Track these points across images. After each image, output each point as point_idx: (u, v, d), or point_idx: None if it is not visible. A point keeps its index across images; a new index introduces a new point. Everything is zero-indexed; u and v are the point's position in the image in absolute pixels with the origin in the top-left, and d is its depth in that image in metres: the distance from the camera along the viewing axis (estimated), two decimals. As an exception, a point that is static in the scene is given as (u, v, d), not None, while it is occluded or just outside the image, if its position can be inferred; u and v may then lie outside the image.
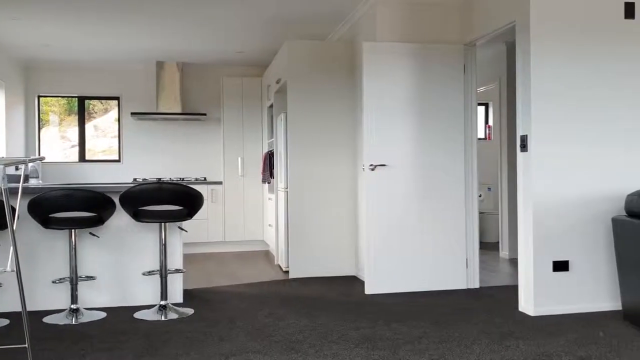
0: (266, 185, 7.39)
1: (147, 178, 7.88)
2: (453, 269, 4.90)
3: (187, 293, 4.84)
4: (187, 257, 7.13)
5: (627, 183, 4.08)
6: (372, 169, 4.76)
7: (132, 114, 7.53)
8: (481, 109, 8.88)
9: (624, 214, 3.74)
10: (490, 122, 8.91)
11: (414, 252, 4.83)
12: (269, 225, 7.05)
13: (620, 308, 3.98)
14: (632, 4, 4.07)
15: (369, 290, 4.76)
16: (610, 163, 4.06)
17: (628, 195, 3.61)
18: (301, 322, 3.86)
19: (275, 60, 6.56)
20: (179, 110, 7.69)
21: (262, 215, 7.71)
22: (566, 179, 4.02)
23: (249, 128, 7.74)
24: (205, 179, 8.00)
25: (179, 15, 5.57)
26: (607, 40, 4.06)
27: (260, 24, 5.94)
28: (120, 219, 4.44)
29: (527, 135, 4.04)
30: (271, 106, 7.03)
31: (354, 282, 5.31)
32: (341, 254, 5.68)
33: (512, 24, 4.27)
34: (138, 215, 4.14)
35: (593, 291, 4.06)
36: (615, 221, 3.68)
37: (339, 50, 5.71)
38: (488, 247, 7.37)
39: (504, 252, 6.69)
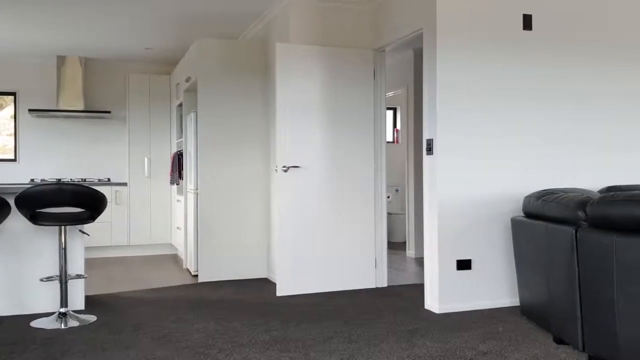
0: (174, 186, 7.18)
1: (45, 179, 7.43)
2: (363, 269, 4.99)
3: (89, 299, 4.60)
4: (89, 262, 6.79)
5: (525, 185, 4.32)
6: (285, 171, 4.75)
7: (30, 110, 7.08)
8: (390, 113, 9.13)
9: (522, 214, 3.96)
10: (398, 126, 9.18)
11: (326, 253, 4.87)
12: (178, 228, 6.86)
13: (518, 304, 4.21)
14: (530, 16, 4.33)
15: (280, 292, 4.74)
16: (510, 166, 4.29)
17: (525, 197, 3.83)
18: (210, 326, 3.78)
19: (185, 57, 6.40)
20: (81, 108, 7.31)
21: (170, 217, 7.48)
22: (469, 182, 4.20)
23: (157, 127, 7.49)
24: (109, 180, 7.66)
25: (82, 7, 5.29)
26: (507, 49, 4.29)
27: (170, 20, 5.77)
28: (15, 222, 4.15)
29: (432, 139, 4.18)
30: (180, 105, 6.84)
31: (265, 285, 5.27)
32: (253, 256, 5.63)
33: (419, 31, 4.41)
34: (35, 218, 3.88)
35: (494, 288, 4.27)
36: (514, 221, 3.88)
37: (252, 50, 5.66)
38: (395, 246, 7.58)
39: (410, 252, 6.91)
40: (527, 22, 4.32)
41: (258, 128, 5.65)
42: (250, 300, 4.61)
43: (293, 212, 4.77)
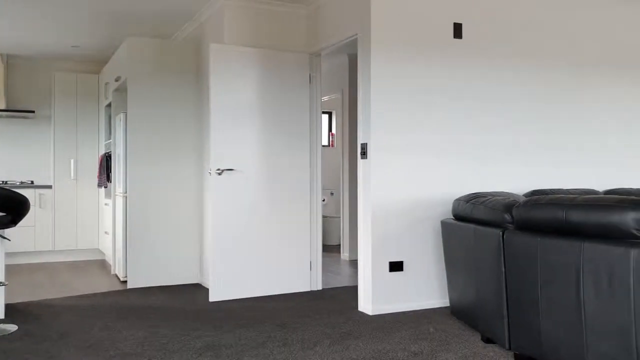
0: (102, 189, 6.93)
1: (-39, 181, 7.00)
2: (298, 272, 4.98)
3: (10, 308, 4.35)
4: (10, 269, 6.44)
5: (455, 188, 4.45)
6: (219, 174, 4.68)
7: (-57, 108, 6.66)
8: (325, 117, 9.19)
9: (452, 217, 4.06)
10: (334, 130, 9.25)
11: (260, 257, 4.83)
12: (106, 232, 6.62)
13: (448, 304, 4.32)
14: (460, 25, 4.46)
15: (213, 297, 4.66)
16: (442, 170, 4.40)
17: (455, 200, 3.93)
18: (140, 334, 3.66)
19: (115, 56, 6.20)
20: (2, 107, 6.93)
21: (97, 221, 7.21)
22: (402, 185, 4.27)
23: (84, 128, 7.22)
24: (32, 182, 7.30)
25: (4, 2, 5.02)
26: (439, 56, 4.40)
27: (98, 18, 5.57)
28: None
29: (367, 144, 4.23)
30: (109, 105, 6.62)
31: (198, 290, 5.17)
32: (185, 261, 5.51)
33: (354, 37, 4.46)
34: (-51, 223, 3.64)
35: (425, 289, 4.36)
36: (444, 224, 3.98)
37: (185, 50, 5.55)
38: (330, 249, 7.62)
39: (345, 254, 6.96)
40: (458, 30, 4.46)
41: (191, 130, 5.54)
42: (181, 306, 4.50)
43: (227, 215, 4.70)
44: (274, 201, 4.88)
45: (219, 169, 4.68)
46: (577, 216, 2.66)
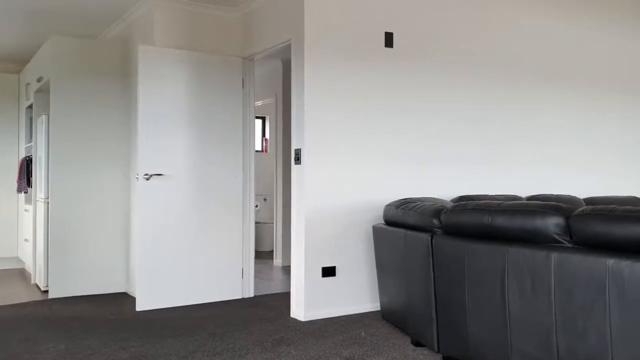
0: (22, 195, 6.58)
1: None
2: (229, 280, 4.90)
3: None
4: None
5: (387, 194, 4.51)
6: (147, 179, 4.54)
7: None
8: (259, 122, 9.13)
9: (383, 222, 4.12)
10: (267, 135, 9.20)
11: (190, 264, 4.72)
12: (25, 240, 6.28)
13: (379, 308, 4.37)
14: (391, 34, 4.55)
15: (140, 306, 4.51)
16: (374, 176, 4.46)
17: (386, 206, 3.99)
18: (62, 345, 3.49)
19: (37, 56, 5.91)
20: None
21: (16, 228, 6.84)
22: (336, 191, 4.30)
23: (2, 130, 6.84)
24: (-56, 187, 6.85)
25: None
26: (371, 64, 4.46)
27: (19, 15, 5.29)
28: None
29: (301, 149, 4.23)
30: (31, 106, 6.31)
31: (124, 299, 4.99)
32: (110, 269, 5.30)
33: (288, 42, 4.45)
34: None
35: (357, 294, 4.39)
36: (375, 229, 4.03)
37: (113, 51, 5.36)
38: (263, 256, 7.56)
39: (278, 261, 6.92)
40: (389, 39, 4.54)
41: (119, 133, 5.36)
42: (107, 316, 4.33)
43: (155, 222, 4.57)
44: (204, 207, 4.79)
45: (147, 174, 4.54)
46: (501, 221, 2.76)
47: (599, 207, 2.41)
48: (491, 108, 5.06)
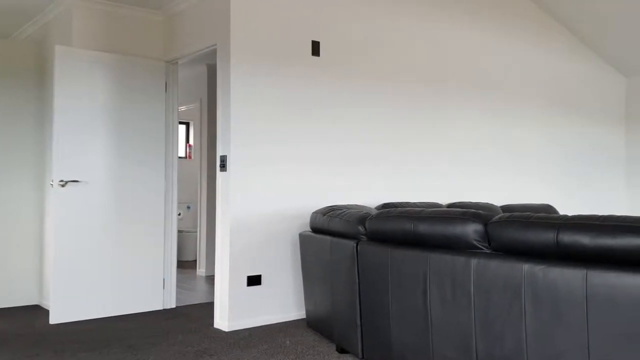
0: None
1: None
2: (150, 290, 4.74)
3: None
4: None
5: (313, 201, 4.51)
6: (63, 185, 4.32)
7: None
8: (182, 128, 8.93)
9: (310, 229, 4.12)
10: (191, 141, 9.02)
11: (109, 275, 4.53)
12: None
13: (305, 316, 4.36)
14: (318, 42, 4.58)
15: (54, 319, 4.27)
16: (301, 183, 4.45)
17: (312, 213, 3.99)
18: (-35, 364, 3.25)
19: (-59, 53, 5.51)
20: None
21: None
22: (262, 198, 4.26)
23: None
24: None
25: None
26: (298, 71, 4.46)
27: None
28: None
29: (226, 156, 4.16)
30: None
31: (37, 312, 4.71)
32: (21, 280, 5.00)
33: (213, 47, 4.38)
34: None
35: (283, 302, 4.36)
36: (302, 236, 4.03)
37: (26, 52, 5.08)
38: (186, 265, 7.38)
39: (201, 270, 6.77)
40: (316, 48, 4.56)
41: (32, 137, 5.08)
42: (17, 330, 4.07)
43: (71, 230, 4.36)
44: (124, 215, 4.61)
45: (62, 181, 4.33)
46: (424, 228, 2.82)
47: (515, 214, 2.51)
48: (414, 118, 5.19)
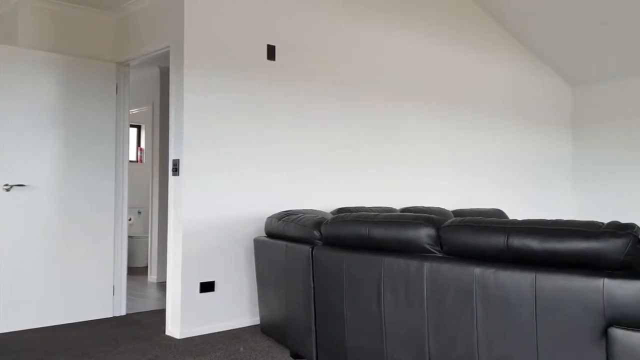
0: None
1: None
2: (99, 298, 4.61)
3: None
4: None
5: (268, 206, 4.49)
6: (8, 189, 4.16)
7: None
8: (133, 131, 8.75)
9: (265, 235, 4.09)
10: (143, 145, 8.84)
11: (56, 282, 4.38)
12: None
13: (259, 322, 4.32)
14: (273, 47, 4.56)
15: (-3, 329, 4.11)
16: (255, 188, 4.42)
17: (267, 218, 3.97)
18: None
19: None
20: None
21: None
22: (215, 203, 4.20)
23: None
24: None
25: None
26: (253, 75, 4.44)
27: None
28: None
29: (179, 160, 4.10)
30: None
31: (-23, 322, 4.51)
32: (-39, 289, 4.77)
33: (166, 49, 4.31)
34: None
35: (236, 308, 4.31)
36: (256, 241, 3.99)
37: (-32, 50, 4.87)
38: (137, 271, 7.21)
39: (152, 277, 6.63)
40: (271, 52, 4.55)
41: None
42: (-44, 341, 3.89)
43: (15, 236, 4.19)
44: (73, 220, 4.47)
45: (7, 185, 4.16)
46: (378, 232, 2.84)
47: (467, 218, 2.56)
48: (369, 123, 5.23)
